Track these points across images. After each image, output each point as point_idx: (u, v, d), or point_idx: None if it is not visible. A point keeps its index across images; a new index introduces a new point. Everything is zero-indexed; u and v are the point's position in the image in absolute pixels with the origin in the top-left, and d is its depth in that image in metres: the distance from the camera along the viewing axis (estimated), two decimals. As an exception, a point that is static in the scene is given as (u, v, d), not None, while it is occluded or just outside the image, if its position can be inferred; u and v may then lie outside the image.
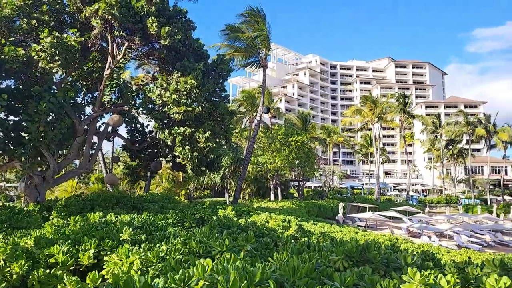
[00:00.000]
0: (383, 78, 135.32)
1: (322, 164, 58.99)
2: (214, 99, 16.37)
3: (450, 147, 69.84)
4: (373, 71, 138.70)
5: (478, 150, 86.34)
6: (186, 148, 15.16)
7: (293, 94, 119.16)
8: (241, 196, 35.75)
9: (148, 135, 18.45)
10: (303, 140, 35.12)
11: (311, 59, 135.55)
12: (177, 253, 4.68)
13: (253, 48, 23.34)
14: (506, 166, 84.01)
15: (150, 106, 15.32)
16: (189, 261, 4.03)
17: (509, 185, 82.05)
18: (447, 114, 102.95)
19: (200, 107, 14.15)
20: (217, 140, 16.71)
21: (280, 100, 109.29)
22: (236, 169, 27.13)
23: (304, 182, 45.72)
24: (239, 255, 4.48)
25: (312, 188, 57.69)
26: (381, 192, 62.84)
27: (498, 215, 47.25)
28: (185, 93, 13.36)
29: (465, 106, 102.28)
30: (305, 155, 35.73)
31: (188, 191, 32.95)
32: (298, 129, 39.81)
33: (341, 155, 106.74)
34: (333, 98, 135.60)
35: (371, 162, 72.59)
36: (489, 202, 59.69)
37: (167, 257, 4.51)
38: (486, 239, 34.81)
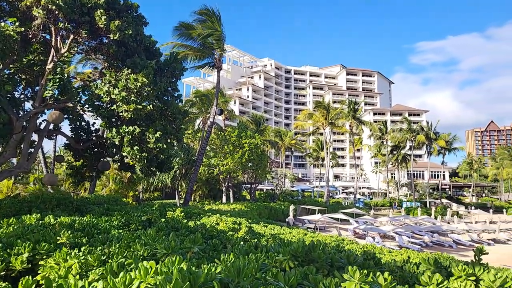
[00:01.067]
0: (335, 84, 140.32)
1: (274, 167, 59.78)
2: (166, 98, 15.95)
3: (395, 152, 73.68)
4: (326, 77, 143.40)
5: (420, 156, 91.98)
6: (135, 148, 14.64)
7: (248, 97, 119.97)
8: (193, 198, 35.25)
9: (94, 134, 17.58)
10: (256, 143, 35.36)
11: (267, 63, 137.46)
12: (120, 256, 4.49)
13: (207, 48, 23.10)
14: (444, 171, 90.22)
15: (97, 103, 14.62)
16: (132, 265, 3.88)
17: (446, 189, 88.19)
18: (393, 121, 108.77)
19: (151, 106, 13.73)
20: (168, 140, 16.31)
21: (235, 103, 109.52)
22: (188, 170, 26.67)
23: (257, 184, 46.03)
24: (185, 257, 4.39)
25: (264, 190, 58.26)
26: (330, 195, 64.85)
27: (436, 217, 50.59)
28: (135, 91, 12.89)
29: (409, 114, 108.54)
30: (257, 157, 35.99)
31: (136, 192, 31.89)
32: (252, 131, 40.05)
33: (293, 158, 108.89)
34: (286, 102, 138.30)
35: (322, 165, 74.80)
36: (428, 205, 63.63)
37: (109, 261, 4.31)
38: (425, 240, 37.02)
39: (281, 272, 3.56)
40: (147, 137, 14.69)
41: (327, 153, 59.10)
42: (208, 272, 3.05)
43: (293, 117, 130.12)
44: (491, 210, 64.62)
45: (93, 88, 14.12)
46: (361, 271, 3.46)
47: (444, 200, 71.83)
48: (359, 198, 66.94)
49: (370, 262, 5.41)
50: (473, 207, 67.81)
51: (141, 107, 13.08)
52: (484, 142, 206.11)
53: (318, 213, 38.91)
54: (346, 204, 58.32)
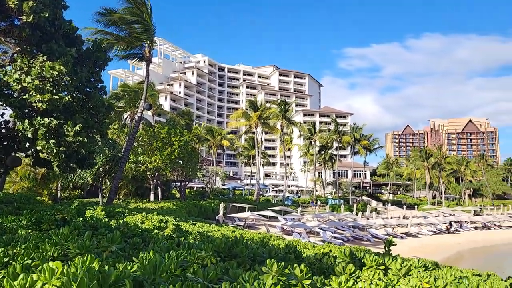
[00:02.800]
0: (268, 84, 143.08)
1: (205, 164, 59.30)
2: (88, 89, 14.90)
3: (322, 152, 77.24)
4: (259, 77, 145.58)
5: (345, 156, 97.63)
6: (51, 142, 13.45)
7: (180, 93, 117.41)
8: (118, 196, 33.55)
9: (3, 126, 15.84)
10: (186, 140, 34.69)
11: (200, 59, 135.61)
12: (26, 258, 4.06)
13: (135, 39, 21.99)
14: (365, 171, 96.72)
15: (6, 92, 13.16)
16: (40, 266, 3.53)
17: (367, 187, 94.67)
18: (321, 122, 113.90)
19: (69, 97, 12.71)
20: (90, 134, 15.27)
21: (166, 98, 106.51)
22: (113, 167, 25.30)
23: (187, 182, 45.24)
24: (101, 257, 4.11)
25: (195, 188, 57.50)
26: (261, 193, 66.00)
27: (357, 213, 53.93)
28: (51, 79, 11.83)
29: (337, 116, 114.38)
30: (188, 155, 35.33)
31: (53, 191, 29.43)
32: (182, 128, 39.20)
33: (225, 156, 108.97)
34: (220, 100, 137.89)
35: (253, 164, 75.89)
36: (350, 202, 67.69)
37: (13, 263, 3.87)
38: (346, 235, 39.28)
39: (202, 268, 3.53)
40: (65, 130, 13.59)
41: (258, 152, 60.07)
42: (123, 271, 2.90)
43: (226, 115, 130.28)
44: (404, 207, 70.70)
45: (1, 74, 12.68)
46: (279, 264, 3.52)
47: (365, 198, 77.10)
48: (288, 196, 69.08)
49: (291, 256, 5.58)
50: (389, 204, 73.72)
51: (58, 97, 12.03)
52: (401, 144, 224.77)
53: (248, 210, 39.34)
54: (275, 201, 59.74)
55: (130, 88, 33.05)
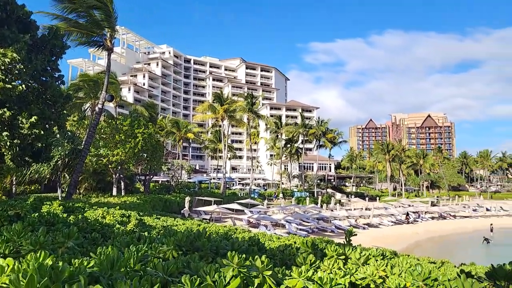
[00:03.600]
0: (235, 77, 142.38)
1: (171, 158, 58.37)
2: (44, 79, 14.16)
3: (289, 145, 78.13)
4: (226, 69, 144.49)
5: (310, 149, 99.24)
6: (4, 134, 12.72)
7: (144, 85, 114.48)
8: (78, 191, 32.36)
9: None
10: (150, 133, 33.91)
11: (165, 50, 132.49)
12: (-29, 257, 3.81)
13: (95, 26, 20.98)
14: (330, 164, 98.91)
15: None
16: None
17: (332, 180, 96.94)
18: (287, 116, 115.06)
19: (23, 86, 12.02)
20: (47, 126, 14.55)
21: (129, 90, 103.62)
22: (72, 161, 24.27)
23: (151, 176, 44.38)
24: (56, 253, 3.94)
25: (160, 182, 56.55)
26: (227, 186, 65.95)
27: (321, 205, 55.18)
28: (2, 67, 11.12)
29: (303, 110, 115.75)
30: (152, 148, 34.56)
31: (7, 185, 27.88)
32: (146, 120, 38.25)
33: (191, 150, 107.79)
34: (185, 92, 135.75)
35: (220, 157, 75.56)
36: (315, 194, 69.09)
37: (-44, 263, 3.60)
38: (311, 226, 40.09)
39: (162, 262, 3.47)
40: (19, 121, 12.87)
41: (225, 145, 59.85)
42: (78, 267, 2.77)
43: (192, 107, 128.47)
44: (367, 198, 73.10)
45: None
46: (241, 256, 3.52)
47: (330, 190, 78.95)
48: (254, 189, 69.46)
49: (254, 248, 5.59)
50: (353, 196, 75.97)
51: (10, 86, 11.34)
52: (364, 138, 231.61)
53: (214, 204, 39.22)
54: (242, 195, 59.92)
55: (90, 78, 31.66)
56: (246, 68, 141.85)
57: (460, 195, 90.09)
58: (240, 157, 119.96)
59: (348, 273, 4.08)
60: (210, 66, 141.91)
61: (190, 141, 75.88)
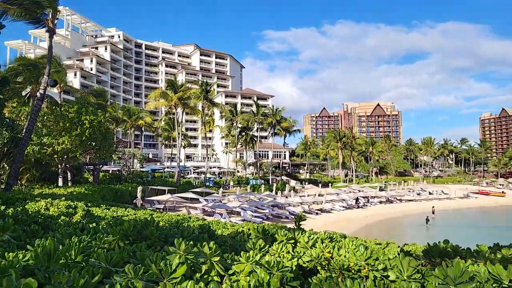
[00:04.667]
0: (189, 64, 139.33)
1: (122, 146, 56.32)
2: (-24, 60, 12.98)
3: (244, 134, 78.27)
4: (179, 56, 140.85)
5: (265, 137, 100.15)
6: None
7: (91, 70, 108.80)
8: (19, 182, 30.34)
9: None
10: (99, 120, 32.36)
11: (114, 34, 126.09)
12: None
13: (35, 5, 19.35)
14: (285, 152, 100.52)
15: None
16: None
17: (286, 167, 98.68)
18: (243, 104, 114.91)
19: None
20: (-19, 112, 13.37)
21: (75, 75, 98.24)
22: (12, 150, 22.55)
23: (101, 165, 42.61)
24: (-11, 247, 3.66)
25: (110, 172, 54.50)
26: (182, 175, 65.01)
27: (276, 192, 56.06)
28: None
29: (258, 98, 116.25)
30: (101, 136, 33.02)
31: None
32: (95, 107, 36.43)
33: (143, 138, 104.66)
34: (137, 78, 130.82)
35: (174, 146, 74.09)
36: (270, 182, 70.08)
37: None
38: (266, 213, 40.68)
39: (106, 252, 3.33)
40: None
41: (178, 133, 58.71)
42: (12, 260, 2.59)
43: (144, 94, 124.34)
44: (320, 185, 75.33)
45: None
46: (188, 243, 3.46)
47: (284, 177, 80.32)
48: (209, 178, 69.10)
49: (205, 235, 5.54)
50: (306, 183, 77.89)
51: None
52: (318, 126, 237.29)
53: (167, 193, 38.52)
54: (197, 183, 59.35)
55: (28, 61, 29.34)
56: (201, 54, 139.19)
57: (406, 180, 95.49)
58: (195, 146, 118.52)
59: (296, 256, 4.15)
60: (163, 52, 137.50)
61: (143, 129, 73.60)
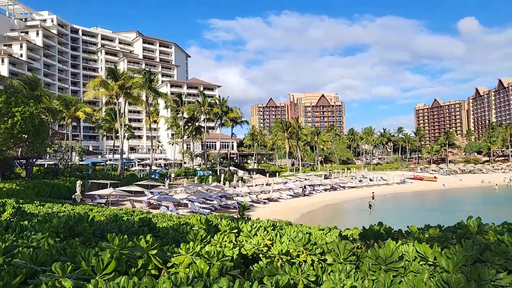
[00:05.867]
0: (131, 52, 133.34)
1: (58, 139, 52.83)
2: None
3: (190, 124, 77.01)
4: (120, 43, 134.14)
5: (213, 128, 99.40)
6: None
7: (21, 56, 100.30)
8: None
9: None
10: (31, 111, 29.97)
11: (47, 18, 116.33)
12: None
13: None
14: (232, 142, 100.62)
15: None
16: None
17: (234, 158, 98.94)
18: (189, 94, 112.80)
19: None
20: None
21: (2, 61, 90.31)
22: None
23: (34, 159, 39.72)
24: None
25: (46, 166, 51.02)
26: (126, 167, 62.68)
27: (224, 183, 56.06)
28: None
29: (204, 88, 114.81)
30: (34, 128, 30.64)
31: None
32: (27, 97, 33.67)
33: (82, 129, 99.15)
34: (74, 66, 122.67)
35: (116, 137, 70.93)
36: (218, 172, 69.84)
37: None
38: (214, 204, 40.56)
39: (31, 251, 3.09)
40: None
41: (121, 124, 56.28)
42: None
43: (83, 83, 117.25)
44: (267, 174, 76.52)
45: None
46: (122, 238, 3.32)
47: (232, 168, 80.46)
48: (155, 170, 67.31)
49: (145, 229, 5.35)
50: (254, 173, 78.77)
51: None
52: (265, 116, 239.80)
53: (110, 187, 36.91)
54: (142, 176, 57.54)
55: None
56: (144, 42, 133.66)
57: (349, 167, 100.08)
58: (139, 137, 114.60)
59: (238, 245, 4.14)
60: (102, 39, 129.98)
61: (81, 120, 69.50)
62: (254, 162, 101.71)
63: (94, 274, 2.70)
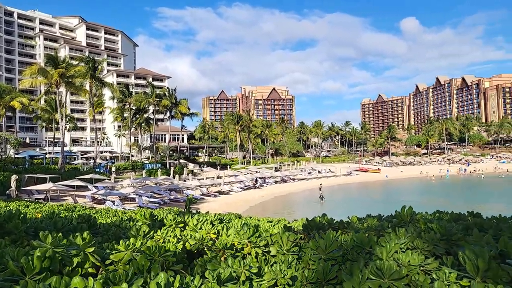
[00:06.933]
0: (73, 38, 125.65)
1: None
2: None
3: (138, 116, 74.49)
4: (62, 29, 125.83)
5: (162, 120, 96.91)
6: None
7: None
8: None
9: None
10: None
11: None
12: None
13: None
14: (183, 135, 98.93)
15: None
16: None
17: (184, 150, 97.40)
18: (137, 85, 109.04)
19: None
20: None
21: None
22: None
23: (-37, 152, 36.43)
24: None
25: (-24, 160, 47.01)
26: (68, 161, 59.39)
27: (174, 176, 55.06)
28: None
29: (153, 79, 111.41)
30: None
31: None
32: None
33: (18, 120, 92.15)
34: (8, 52, 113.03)
35: (57, 129, 66.77)
36: (168, 166, 68.36)
37: None
38: (164, 198, 39.76)
39: None
40: None
41: (62, 115, 53.00)
42: None
43: (18, 70, 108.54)
44: (218, 167, 76.24)
45: None
46: (56, 235, 3.15)
47: (182, 161, 79.17)
48: (100, 163, 64.44)
49: (84, 225, 5.13)
50: (205, 166, 78.08)
51: None
52: (216, 108, 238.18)
53: (49, 181, 34.74)
54: (85, 169, 54.81)
55: None
56: (87, 29, 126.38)
57: (298, 160, 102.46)
58: (83, 129, 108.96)
59: (182, 240, 4.07)
60: (41, 23, 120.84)
61: (17, 110, 64.48)
62: (205, 155, 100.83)
63: (23, 274, 2.60)
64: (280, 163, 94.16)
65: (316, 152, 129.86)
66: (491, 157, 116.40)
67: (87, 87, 57.19)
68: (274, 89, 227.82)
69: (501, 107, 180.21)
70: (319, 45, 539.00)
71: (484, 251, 1.87)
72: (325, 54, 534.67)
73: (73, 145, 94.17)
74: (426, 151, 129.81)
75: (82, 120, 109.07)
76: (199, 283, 2.44)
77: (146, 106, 72.05)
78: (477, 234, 2.49)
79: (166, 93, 74.04)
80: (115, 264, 3.18)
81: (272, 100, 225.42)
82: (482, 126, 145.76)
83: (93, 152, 67.85)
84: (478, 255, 1.84)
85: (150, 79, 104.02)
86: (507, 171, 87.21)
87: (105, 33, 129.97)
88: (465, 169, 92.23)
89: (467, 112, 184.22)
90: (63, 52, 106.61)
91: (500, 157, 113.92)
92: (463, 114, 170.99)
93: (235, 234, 3.57)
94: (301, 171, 78.75)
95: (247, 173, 66.52)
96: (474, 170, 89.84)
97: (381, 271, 1.99)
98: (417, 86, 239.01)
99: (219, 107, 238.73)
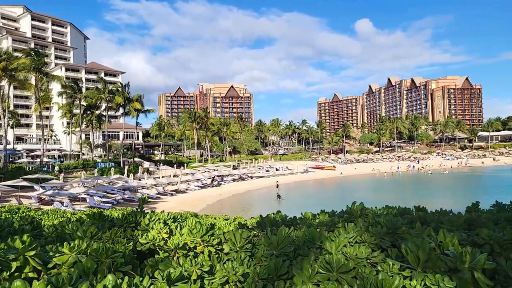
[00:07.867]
0: (16, 29, 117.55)
1: None
2: None
3: (89, 112, 71.30)
4: (3, 18, 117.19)
5: (116, 117, 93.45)
6: None
7: None
8: None
9: None
10: None
11: None
12: None
13: None
14: (138, 132, 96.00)
15: None
16: None
17: (139, 148, 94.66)
18: (88, 80, 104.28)
19: None
20: None
21: None
22: None
23: None
24: None
25: None
26: (11, 159, 55.70)
27: (128, 175, 53.32)
28: None
29: (106, 74, 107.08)
30: None
31: None
32: None
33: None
34: None
35: (-1, 126, 62.37)
36: (122, 164, 66.07)
37: None
38: (117, 198, 38.42)
39: None
40: None
41: (4, 110, 49.51)
42: None
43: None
44: (175, 165, 74.84)
45: None
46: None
47: (137, 159, 76.84)
48: (47, 162, 61.01)
49: (26, 227, 4.87)
50: (161, 164, 76.28)
51: None
52: (173, 106, 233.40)
53: (-11, 182, 32.47)
54: (31, 169, 51.66)
55: None
56: (33, 19, 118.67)
57: (256, 158, 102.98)
58: (28, 125, 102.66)
59: (132, 240, 3.94)
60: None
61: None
62: (161, 153, 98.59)
63: (-50, 284, 2.43)
64: (238, 161, 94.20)
65: (274, 150, 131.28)
66: (437, 154, 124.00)
67: (33, 81, 53.85)
68: (232, 86, 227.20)
69: (446, 107, 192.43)
70: (277, 44, 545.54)
71: (425, 243, 1.97)
72: (283, 52, 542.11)
73: (17, 142, 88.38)
74: (378, 149, 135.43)
75: (27, 116, 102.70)
76: (148, 284, 2.37)
77: (98, 102, 69.05)
78: (419, 227, 2.62)
79: (120, 88, 71.37)
80: (58, 267, 3.04)
81: (230, 98, 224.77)
82: (429, 125, 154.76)
83: (40, 150, 64.05)
84: (419, 247, 1.92)
85: (102, 74, 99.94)
86: (451, 167, 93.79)
87: (53, 24, 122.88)
88: (413, 166, 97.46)
89: (416, 112, 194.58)
90: (6, 43, 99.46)
91: (445, 154, 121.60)
92: (412, 114, 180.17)
93: (188, 233, 3.50)
94: (259, 169, 79.32)
95: (205, 171, 65.93)
96: (422, 167, 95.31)
97: (330, 265, 2.03)
98: (370, 86, 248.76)
99: (176, 104, 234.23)
